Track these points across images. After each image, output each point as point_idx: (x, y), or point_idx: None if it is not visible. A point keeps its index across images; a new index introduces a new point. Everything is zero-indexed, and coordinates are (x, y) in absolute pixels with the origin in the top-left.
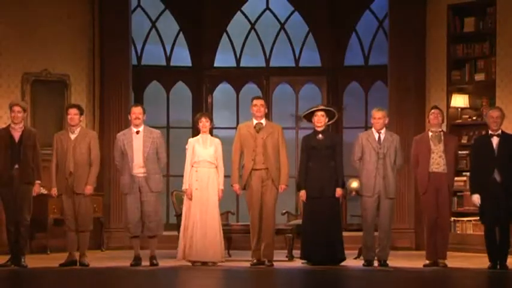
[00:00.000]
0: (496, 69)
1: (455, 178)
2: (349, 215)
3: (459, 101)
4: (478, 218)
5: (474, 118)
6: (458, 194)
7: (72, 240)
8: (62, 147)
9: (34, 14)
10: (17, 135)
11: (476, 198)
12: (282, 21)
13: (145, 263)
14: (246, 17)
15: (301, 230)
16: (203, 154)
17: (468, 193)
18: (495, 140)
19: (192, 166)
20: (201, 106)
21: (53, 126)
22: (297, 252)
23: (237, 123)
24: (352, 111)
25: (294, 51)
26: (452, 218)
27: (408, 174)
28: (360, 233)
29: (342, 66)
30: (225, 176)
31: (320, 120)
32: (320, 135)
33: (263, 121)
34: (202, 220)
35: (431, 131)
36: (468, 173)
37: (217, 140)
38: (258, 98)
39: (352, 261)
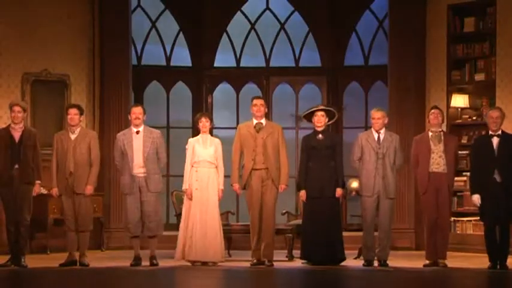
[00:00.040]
0: (496, 69)
1: (455, 178)
2: (349, 215)
3: (459, 101)
4: (479, 218)
5: (474, 118)
6: (458, 194)
7: (72, 240)
8: (62, 147)
9: (34, 14)
10: (17, 135)
11: (476, 198)
12: (282, 21)
13: (145, 263)
14: (246, 17)
15: (301, 230)
16: (203, 154)
17: (468, 193)
18: (495, 140)
19: (192, 166)
20: (201, 106)
21: (53, 126)
22: (297, 252)
23: (237, 123)
24: (352, 111)
25: (294, 51)
26: (452, 218)
27: (408, 174)
28: (360, 233)
29: (342, 66)
30: (225, 176)
31: (320, 120)
32: (320, 135)
33: (263, 121)
34: (203, 220)
35: (431, 131)
36: (468, 173)
37: (217, 140)
38: (258, 97)
39: (352, 261)
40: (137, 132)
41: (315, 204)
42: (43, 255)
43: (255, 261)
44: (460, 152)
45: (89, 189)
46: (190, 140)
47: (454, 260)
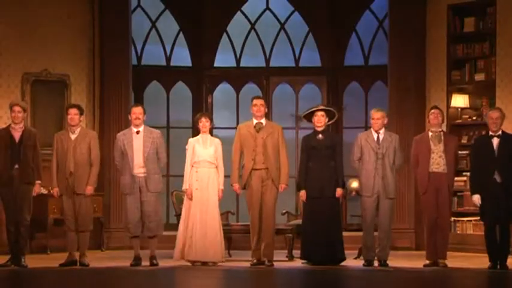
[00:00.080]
0: (496, 69)
1: (456, 178)
2: (349, 215)
3: (459, 101)
4: (479, 218)
5: (474, 118)
6: (459, 194)
7: (72, 240)
8: (62, 147)
9: (34, 14)
10: (17, 135)
11: (476, 198)
12: (282, 21)
13: (145, 263)
14: (246, 17)
15: (301, 230)
16: (203, 154)
17: (468, 193)
18: (495, 141)
19: (192, 166)
20: (201, 106)
21: (53, 126)
22: (297, 252)
23: (237, 123)
24: (352, 111)
25: (294, 51)
26: (453, 218)
27: (408, 174)
28: (360, 233)
29: (342, 66)
30: (225, 176)
31: (320, 120)
32: (320, 135)
33: (263, 121)
34: (203, 220)
35: (431, 131)
36: (468, 173)
37: (217, 140)
38: (257, 97)
39: (352, 261)
40: (137, 132)
41: (315, 204)
42: (43, 255)
43: (255, 261)
44: (460, 152)
45: (89, 189)
46: (191, 140)
47: (454, 260)
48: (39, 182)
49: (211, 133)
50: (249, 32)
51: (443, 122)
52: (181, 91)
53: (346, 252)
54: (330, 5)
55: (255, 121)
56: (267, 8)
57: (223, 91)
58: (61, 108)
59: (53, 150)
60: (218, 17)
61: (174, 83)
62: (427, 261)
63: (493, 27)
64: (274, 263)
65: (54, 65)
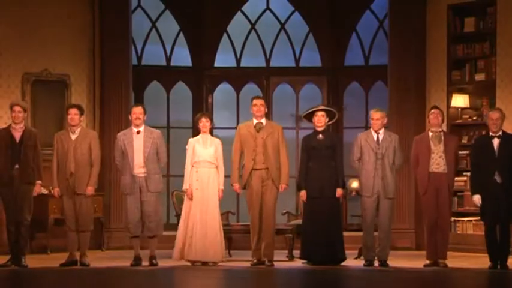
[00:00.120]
0: (497, 69)
1: (456, 178)
2: (349, 215)
3: (459, 101)
4: (479, 218)
5: (474, 118)
6: (459, 194)
7: (73, 240)
8: (62, 147)
9: (34, 14)
10: (17, 135)
11: (477, 198)
12: (282, 21)
13: (145, 263)
14: (246, 17)
15: (301, 230)
16: (203, 154)
17: (468, 193)
18: (496, 142)
19: (193, 166)
20: (201, 106)
21: (53, 127)
22: (297, 252)
23: (237, 123)
24: (352, 111)
25: (294, 51)
26: (453, 218)
27: (408, 174)
28: (360, 233)
29: (342, 66)
30: (226, 176)
31: (320, 120)
32: (320, 135)
33: (263, 121)
34: (203, 220)
35: (432, 131)
36: (468, 173)
37: (217, 140)
38: (257, 97)
39: (353, 261)
40: (138, 132)
41: (315, 204)
42: (43, 255)
43: (255, 261)
44: (460, 152)
45: (90, 189)
46: (191, 140)
47: (455, 260)
48: (39, 182)
49: (211, 133)
50: (249, 32)
51: (443, 122)
52: (182, 91)
53: (346, 252)
54: (330, 5)
55: (255, 121)
56: (267, 8)
57: (223, 91)
58: (61, 108)
59: (53, 150)
60: (218, 17)
61: (175, 83)
62: (428, 261)
63: (493, 27)
64: (275, 263)
65: (55, 65)
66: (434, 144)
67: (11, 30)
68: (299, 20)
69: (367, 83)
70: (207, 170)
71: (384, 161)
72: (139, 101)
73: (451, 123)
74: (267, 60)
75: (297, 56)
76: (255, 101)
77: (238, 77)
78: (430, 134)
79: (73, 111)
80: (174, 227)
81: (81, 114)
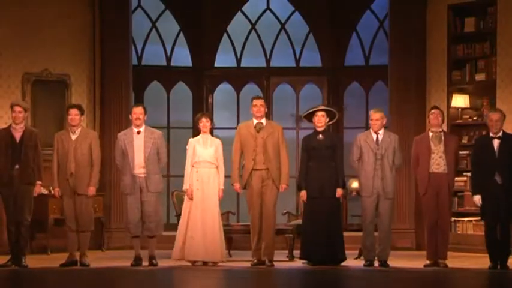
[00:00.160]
0: (497, 69)
1: (456, 178)
2: (349, 215)
3: (459, 101)
4: (479, 218)
5: (475, 118)
6: (459, 194)
7: (73, 240)
8: (62, 147)
9: (34, 14)
10: (18, 135)
11: (477, 199)
12: (283, 22)
13: (145, 263)
14: (247, 17)
15: (301, 230)
16: (203, 154)
17: (468, 193)
18: (496, 142)
19: (193, 166)
20: (202, 106)
21: (53, 127)
22: (297, 253)
23: (237, 123)
24: (352, 112)
25: (294, 51)
26: (453, 218)
27: (408, 174)
28: (360, 233)
29: (343, 66)
30: (226, 176)
31: (320, 120)
32: (320, 136)
33: (263, 121)
34: (203, 220)
35: (432, 131)
36: (469, 173)
37: (217, 141)
38: (257, 97)
39: (353, 262)
40: (138, 133)
41: (315, 204)
42: (43, 256)
43: (255, 261)
44: (460, 152)
45: (92, 190)
46: (191, 140)
47: (455, 260)
48: (39, 182)
49: (211, 133)
50: (250, 32)
51: (443, 122)
52: (182, 91)
53: (346, 252)
54: (330, 5)
55: (255, 121)
56: (268, 8)
57: (223, 91)
58: (61, 108)
59: (54, 150)
60: (218, 17)
61: (175, 83)
62: (428, 262)
63: (494, 27)
64: (275, 263)
65: (55, 65)
66: (435, 144)
67: (11, 30)
68: (299, 20)
69: (368, 83)
70: (207, 170)
71: (383, 162)
72: (139, 101)
73: (451, 124)
74: (267, 60)
75: (297, 56)
76: (255, 101)
77: (238, 77)
78: (430, 134)
79: (73, 112)
80: (174, 227)
81: (82, 114)
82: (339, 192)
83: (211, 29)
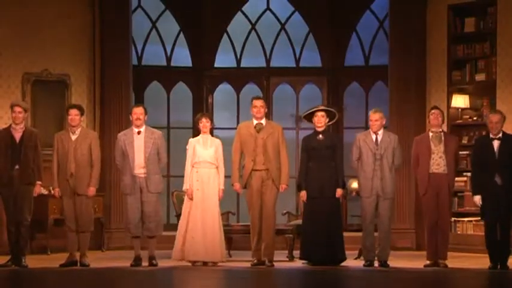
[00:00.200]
0: (497, 69)
1: (456, 178)
2: (349, 215)
3: (459, 101)
4: (479, 218)
5: (475, 118)
6: (459, 194)
7: (73, 240)
8: (62, 147)
9: (34, 14)
10: (18, 135)
11: (478, 199)
12: (283, 22)
13: (145, 263)
14: (247, 17)
15: (301, 230)
16: (203, 154)
17: (469, 193)
18: (496, 143)
19: (193, 166)
20: (202, 106)
21: (53, 127)
22: (297, 253)
23: (237, 123)
24: (352, 112)
25: (294, 51)
26: (453, 219)
27: (408, 174)
28: (360, 233)
29: (343, 66)
30: (226, 176)
31: (320, 120)
32: (320, 136)
33: (263, 121)
34: (203, 220)
35: (432, 132)
36: (469, 173)
37: (217, 141)
38: (257, 98)
39: (353, 262)
40: (138, 133)
41: (315, 204)
42: (43, 256)
43: (255, 261)
44: (460, 152)
45: (92, 190)
46: (191, 140)
47: (455, 261)
48: (39, 182)
49: (211, 133)
50: (250, 32)
51: (443, 122)
52: (182, 91)
53: (346, 252)
54: (330, 5)
55: (255, 121)
56: (268, 8)
57: (223, 91)
58: (61, 108)
59: (54, 150)
60: (218, 17)
61: (175, 84)
62: (428, 262)
63: (494, 27)
64: (275, 263)
65: (55, 65)
66: (435, 144)
67: (11, 30)
68: (299, 20)
69: (367, 83)
70: (207, 170)
71: (382, 162)
72: (139, 101)
73: (451, 124)
74: (267, 61)
75: (297, 56)
76: (254, 102)
77: (238, 77)
78: (430, 134)
79: (73, 112)
80: (174, 227)
81: (82, 114)
82: (339, 192)
83: (211, 29)
